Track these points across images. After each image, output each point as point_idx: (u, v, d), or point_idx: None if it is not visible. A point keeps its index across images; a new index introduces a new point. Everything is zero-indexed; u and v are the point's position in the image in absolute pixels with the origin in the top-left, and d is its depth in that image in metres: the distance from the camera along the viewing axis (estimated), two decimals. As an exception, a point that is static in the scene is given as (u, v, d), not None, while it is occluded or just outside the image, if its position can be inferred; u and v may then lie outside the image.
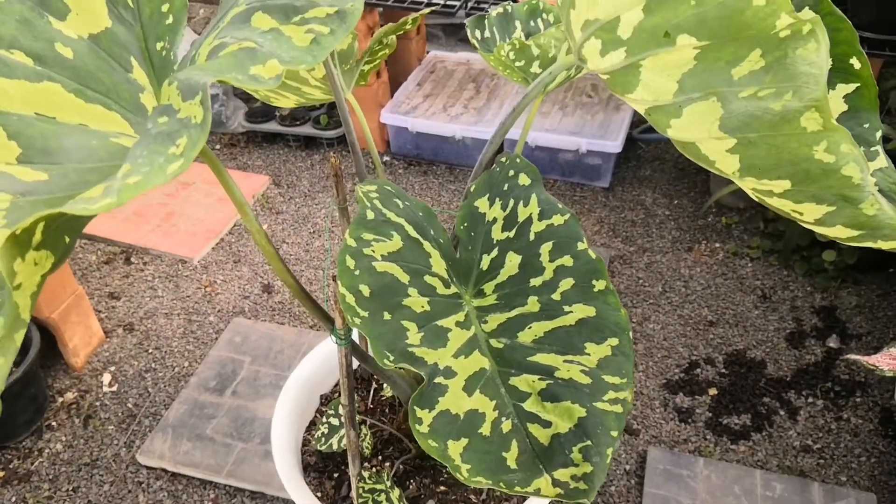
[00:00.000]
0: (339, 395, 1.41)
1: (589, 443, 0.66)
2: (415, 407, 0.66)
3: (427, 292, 0.74)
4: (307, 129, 3.11)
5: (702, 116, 0.59)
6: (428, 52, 3.47)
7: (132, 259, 2.60)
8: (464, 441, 0.65)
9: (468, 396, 0.69)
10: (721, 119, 0.58)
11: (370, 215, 0.76)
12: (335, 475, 1.29)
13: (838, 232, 0.61)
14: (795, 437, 1.96)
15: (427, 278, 0.75)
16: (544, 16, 1.09)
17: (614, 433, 0.67)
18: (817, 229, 0.64)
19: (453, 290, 0.78)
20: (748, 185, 0.63)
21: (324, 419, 1.27)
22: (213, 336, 2.29)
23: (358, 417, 1.27)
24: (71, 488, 1.86)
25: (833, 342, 2.21)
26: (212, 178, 2.97)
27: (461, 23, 4.10)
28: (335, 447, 1.21)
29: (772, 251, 2.51)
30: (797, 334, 2.24)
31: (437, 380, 0.67)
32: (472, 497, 1.26)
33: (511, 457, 0.66)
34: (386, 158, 3.14)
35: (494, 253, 0.81)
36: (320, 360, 1.42)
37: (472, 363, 0.72)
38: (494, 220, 0.82)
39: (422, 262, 0.76)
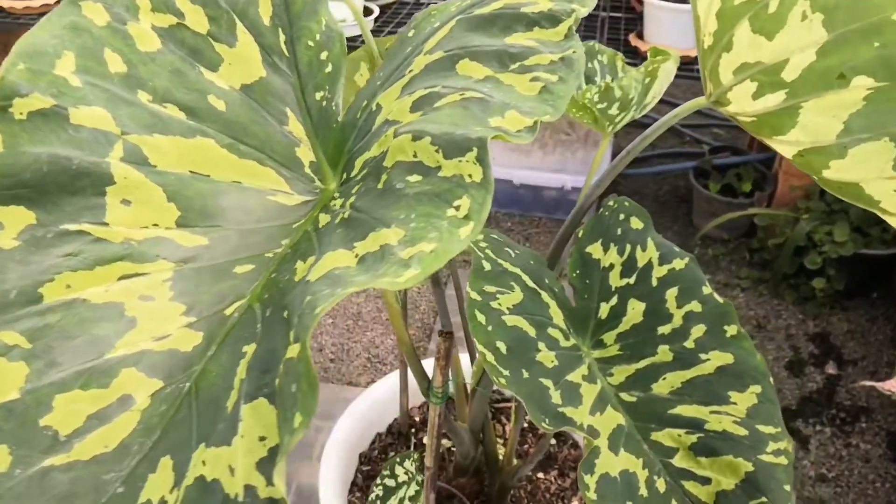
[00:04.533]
0: (392, 454, 1.35)
1: (764, 499, 0.63)
2: (583, 474, 0.62)
3: (553, 346, 0.70)
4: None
5: (871, 157, 0.58)
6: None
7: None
8: (630, 504, 0.62)
9: (615, 456, 0.65)
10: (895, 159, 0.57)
11: (487, 266, 0.72)
12: (386, 539, 1.22)
13: None
14: (809, 466, 1.97)
15: (550, 331, 0.72)
16: (600, 57, 1.08)
17: (787, 487, 0.64)
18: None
19: (572, 342, 0.75)
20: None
21: (378, 481, 1.20)
22: (206, 393, 2.18)
23: (408, 475, 1.21)
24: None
25: (831, 368, 2.25)
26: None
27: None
28: (394, 510, 1.15)
29: (760, 280, 2.56)
30: (796, 362, 2.28)
31: (596, 442, 0.63)
32: (535, 554, 1.20)
33: (675, 518, 0.62)
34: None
35: (614, 301, 0.78)
36: (356, 419, 1.35)
37: (609, 420, 0.68)
38: (611, 266, 0.79)
39: (543, 313, 0.72)
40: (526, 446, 1.38)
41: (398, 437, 1.40)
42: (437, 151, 0.39)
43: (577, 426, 0.64)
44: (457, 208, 0.35)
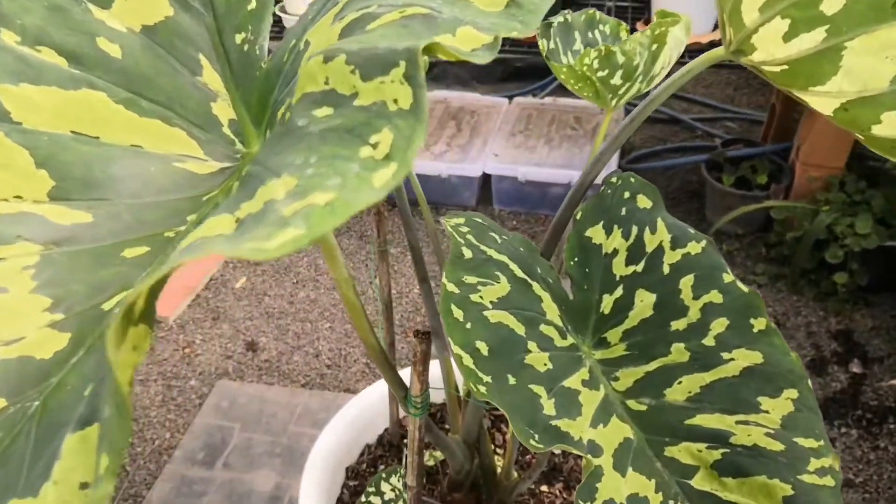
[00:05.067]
0: (382, 468, 1.24)
1: (809, 531, 0.52)
2: (581, 502, 0.51)
3: (546, 346, 0.60)
4: (281, 174, 2.96)
5: (934, 106, 0.47)
6: (402, 91, 3.37)
7: (99, 322, 2.38)
8: (642, 541, 0.51)
9: (622, 477, 0.54)
10: (963, 108, 0.46)
11: (467, 253, 0.61)
12: (375, 562, 1.11)
13: None
14: (836, 472, 1.84)
15: (543, 328, 0.61)
16: (601, 27, 0.97)
17: (835, 514, 0.53)
18: None
19: (570, 340, 0.64)
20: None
21: (363, 499, 1.09)
22: (197, 402, 2.08)
23: (395, 493, 1.10)
24: (43, 591, 1.62)
25: (856, 367, 2.12)
26: (181, 230, 2.78)
27: (431, 61, 4.03)
28: (381, 531, 1.04)
29: (778, 276, 2.44)
30: (818, 361, 2.15)
31: (596, 461, 0.52)
32: (538, 576, 1.09)
33: (699, 553, 0.51)
34: (370, 244, 3.00)
35: (618, 292, 0.67)
36: (342, 429, 1.24)
37: (614, 433, 0.57)
38: (615, 251, 0.68)
39: (535, 307, 0.61)
40: (528, 457, 1.27)
41: (389, 449, 1.29)
42: (352, 73, 0.29)
43: (574, 443, 0.53)
44: (374, 146, 0.25)
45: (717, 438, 0.57)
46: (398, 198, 0.92)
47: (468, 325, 0.56)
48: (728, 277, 0.64)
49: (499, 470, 1.10)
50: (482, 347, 0.55)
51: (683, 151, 3.22)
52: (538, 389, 0.56)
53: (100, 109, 0.40)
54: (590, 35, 0.95)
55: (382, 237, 0.93)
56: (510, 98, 3.23)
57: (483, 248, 0.62)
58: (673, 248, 0.67)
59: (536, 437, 0.52)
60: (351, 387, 2.15)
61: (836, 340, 2.21)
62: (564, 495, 1.20)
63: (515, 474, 1.07)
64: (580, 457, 1.31)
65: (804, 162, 2.55)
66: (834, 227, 2.32)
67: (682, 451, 0.57)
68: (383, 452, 1.28)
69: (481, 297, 0.58)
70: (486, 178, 2.79)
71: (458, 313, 0.56)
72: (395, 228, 2.79)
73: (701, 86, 3.87)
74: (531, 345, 0.58)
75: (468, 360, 0.54)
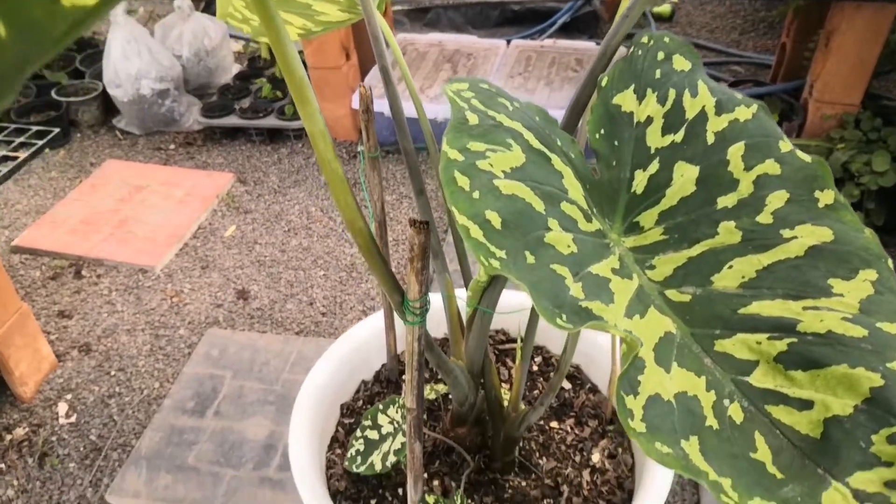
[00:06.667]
0: (376, 403, 1.15)
1: (906, 426, 0.43)
2: (623, 394, 0.41)
3: (569, 227, 0.50)
4: (271, 121, 2.83)
5: None
6: (396, 36, 3.23)
7: (83, 272, 2.28)
8: (695, 440, 0.42)
9: (666, 373, 0.45)
10: None
11: (472, 119, 0.51)
12: (373, 502, 1.03)
13: None
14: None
15: (565, 206, 0.51)
16: None
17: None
18: None
19: (595, 225, 0.54)
20: None
21: (358, 433, 1.00)
22: (186, 351, 1.99)
23: (393, 426, 1.01)
24: (28, 543, 1.54)
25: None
26: (169, 179, 2.67)
27: (425, 7, 3.87)
28: (378, 468, 0.95)
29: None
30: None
31: (638, 353, 0.43)
32: (548, 515, 1.01)
33: (766, 459, 0.42)
34: (360, 148, 2.88)
35: (654, 167, 0.57)
36: (338, 363, 1.15)
37: (652, 326, 0.48)
38: (649, 120, 0.58)
39: (554, 183, 0.51)
40: (536, 392, 1.18)
41: (387, 386, 1.20)
42: None
43: (609, 325, 0.44)
44: None
45: (780, 327, 0.48)
46: (388, 91, 0.82)
47: (475, 195, 0.46)
48: (785, 146, 0.54)
49: (505, 403, 1.02)
50: (493, 219, 0.46)
51: (690, 94, 3.10)
52: (562, 270, 0.46)
53: None
54: None
55: (372, 142, 0.82)
56: (508, 41, 3.10)
57: (491, 113, 0.52)
58: (718, 113, 0.56)
59: (564, 317, 0.42)
60: (347, 334, 2.07)
61: (851, 282, 2.12)
62: (576, 431, 1.12)
63: (523, 406, 0.99)
64: (591, 392, 1.22)
65: (818, 99, 2.44)
66: (849, 165, 2.23)
67: (736, 345, 0.48)
68: (381, 389, 1.19)
69: (490, 164, 0.48)
70: (485, 120, 2.67)
71: (462, 181, 0.46)
72: (389, 176, 2.69)
73: (705, 31, 3.73)
74: (552, 222, 0.49)
75: (476, 232, 0.44)
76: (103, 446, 1.73)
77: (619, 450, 1.10)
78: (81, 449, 1.73)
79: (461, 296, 1.05)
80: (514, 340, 1.26)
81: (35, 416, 1.81)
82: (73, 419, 1.80)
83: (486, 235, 0.45)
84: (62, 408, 1.84)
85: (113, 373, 1.93)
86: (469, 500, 1.00)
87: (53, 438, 1.75)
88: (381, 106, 2.62)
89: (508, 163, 0.50)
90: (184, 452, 1.69)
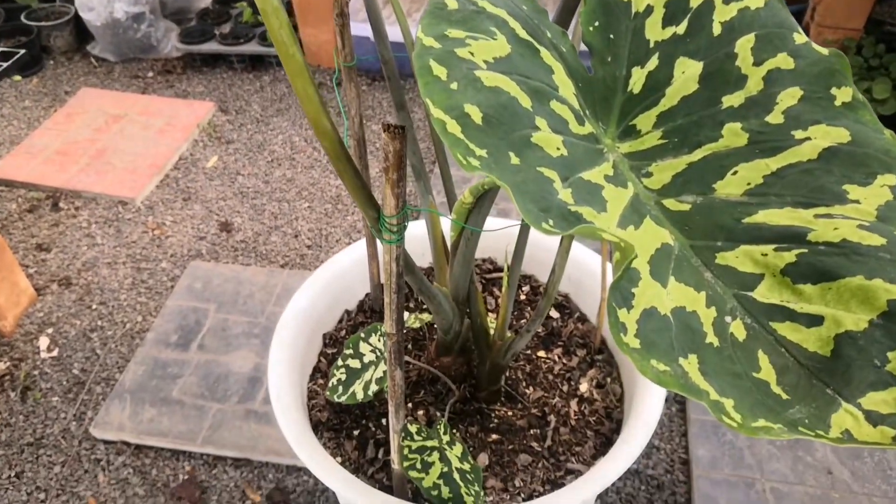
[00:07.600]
0: (358, 331, 1.11)
1: (926, 343, 0.39)
2: (615, 306, 0.37)
3: (559, 128, 0.45)
4: (253, 48, 2.72)
5: None
6: (383, -45, 3.08)
7: (61, 204, 2.21)
8: (693, 359, 0.38)
9: (663, 287, 0.41)
10: None
11: (451, 3, 0.45)
12: (355, 432, 1.00)
13: None
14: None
15: (555, 105, 0.46)
16: None
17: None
18: None
19: (588, 128, 0.48)
20: None
21: (339, 362, 0.97)
22: (169, 284, 1.95)
23: (375, 354, 0.98)
24: (13, 474, 1.53)
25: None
26: (147, 109, 2.57)
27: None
28: (360, 397, 0.92)
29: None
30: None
31: (632, 263, 0.38)
32: (534, 445, 0.99)
33: (770, 379, 0.38)
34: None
35: (653, 63, 0.51)
36: (319, 291, 1.11)
37: (648, 237, 0.44)
38: (648, 9, 0.52)
39: (543, 78, 0.46)
40: (523, 321, 1.15)
41: (371, 315, 1.17)
42: None
43: (599, 230, 0.39)
44: None
45: (788, 237, 0.43)
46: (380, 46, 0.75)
47: (453, 86, 0.41)
48: (800, 38, 0.49)
49: (492, 332, 0.98)
50: (473, 113, 0.41)
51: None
52: (550, 174, 0.41)
53: None
54: None
55: (347, 49, 0.76)
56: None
57: (473, -1, 0.46)
58: (725, 1, 0.50)
59: (551, 221, 0.38)
60: (333, 267, 2.02)
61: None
62: (564, 360, 1.09)
63: (509, 334, 0.95)
64: (580, 321, 1.19)
65: (819, 24, 2.35)
66: (850, 92, 2.16)
67: (739, 257, 0.44)
68: (365, 319, 1.16)
69: (471, 52, 0.43)
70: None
71: (439, 70, 0.41)
72: (375, 104, 2.60)
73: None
74: (540, 121, 0.43)
75: (454, 127, 0.39)
76: (86, 380, 1.71)
77: (608, 380, 1.07)
78: (64, 383, 1.70)
79: (447, 229, 1.01)
80: (502, 269, 1.22)
81: (16, 351, 1.78)
82: (54, 353, 1.77)
83: (464, 132, 0.39)
84: (43, 342, 1.80)
85: (94, 306, 1.89)
86: (454, 430, 0.97)
87: (35, 372, 1.72)
88: (367, 30, 2.51)
89: (492, 52, 0.44)
90: (168, 386, 1.66)
